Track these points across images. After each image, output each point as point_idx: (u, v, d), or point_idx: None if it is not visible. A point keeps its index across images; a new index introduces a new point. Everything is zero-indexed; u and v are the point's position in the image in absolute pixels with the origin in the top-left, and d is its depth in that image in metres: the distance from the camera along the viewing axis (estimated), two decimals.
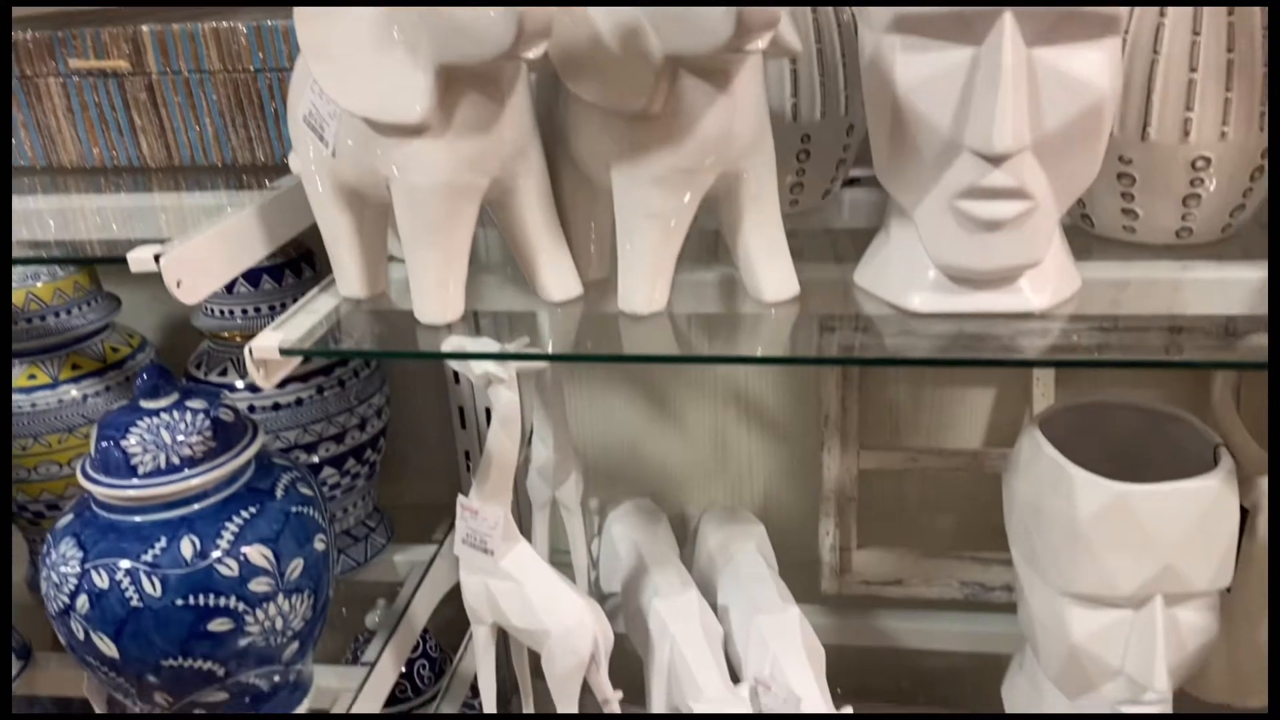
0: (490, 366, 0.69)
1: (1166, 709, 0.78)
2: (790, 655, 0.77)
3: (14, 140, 0.86)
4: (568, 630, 0.75)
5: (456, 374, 1.07)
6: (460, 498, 0.77)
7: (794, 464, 1.08)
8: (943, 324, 0.62)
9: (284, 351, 0.62)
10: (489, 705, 0.83)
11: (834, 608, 1.01)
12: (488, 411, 1.08)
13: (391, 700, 1.01)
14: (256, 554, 0.75)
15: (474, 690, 1.00)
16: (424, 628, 1.02)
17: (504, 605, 0.77)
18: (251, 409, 0.91)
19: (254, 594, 0.74)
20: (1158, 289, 0.69)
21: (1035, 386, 0.98)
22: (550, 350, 0.70)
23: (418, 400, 1.12)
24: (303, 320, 0.67)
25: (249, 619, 0.75)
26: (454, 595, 1.05)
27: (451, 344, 0.70)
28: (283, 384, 0.93)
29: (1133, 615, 0.75)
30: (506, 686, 1.00)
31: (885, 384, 1.03)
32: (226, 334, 0.93)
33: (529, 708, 0.87)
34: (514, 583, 0.77)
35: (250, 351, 0.63)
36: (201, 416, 0.76)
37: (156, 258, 0.62)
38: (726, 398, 1.07)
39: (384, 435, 1.02)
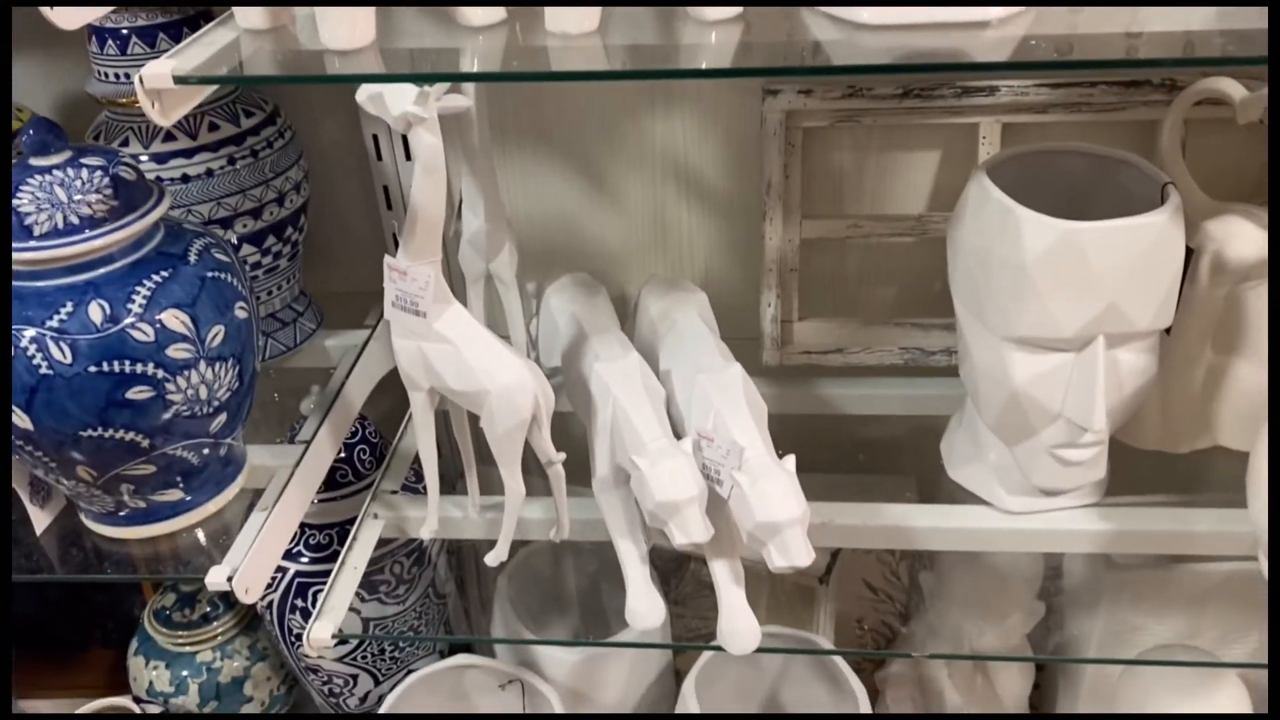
0: (409, 106, 0.64)
1: (1102, 452, 0.79)
2: (732, 409, 0.75)
3: None
4: (506, 389, 0.73)
5: (379, 149, 1.01)
6: (387, 259, 0.73)
7: (735, 238, 1.05)
8: (894, 36, 0.58)
9: (178, 80, 0.57)
10: (431, 474, 0.82)
11: (775, 379, 1.00)
12: None
13: (332, 484, 0.99)
14: (173, 319, 0.71)
15: (416, 470, 0.99)
16: (362, 415, 1.00)
17: (439, 368, 0.75)
18: (159, 180, 0.85)
19: (173, 360, 0.71)
20: (1116, 15, 0.65)
21: (981, 147, 0.96)
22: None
23: (338, 180, 1.07)
24: (199, 51, 0.61)
25: (170, 387, 0.71)
26: (391, 384, 1.03)
27: (366, 90, 0.65)
28: (190, 154, 0.87)
29: (1074, 358, 0.75)
30: (451, 471, 0.99)
31: (828, 150, 1.00)
32: (125, 100, 0.86)
33: (474, 487, 0.86)
34: (449, 345, 0.74)
35: (141, 81, 0.57)
36: (99, 174, 0.70)
37: None
38: (665, 171, 1.03)
39: (305, 214, 0.97)
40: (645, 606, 0.76)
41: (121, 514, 0.78)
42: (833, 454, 1.02)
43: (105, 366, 0.68)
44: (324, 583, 1.02)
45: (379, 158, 1.02)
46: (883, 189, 1.02)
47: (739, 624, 0.74)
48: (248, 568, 0.75)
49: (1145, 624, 1.00)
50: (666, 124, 1.00)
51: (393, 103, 0.65)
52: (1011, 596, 1.02)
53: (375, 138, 1.01)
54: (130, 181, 0.72)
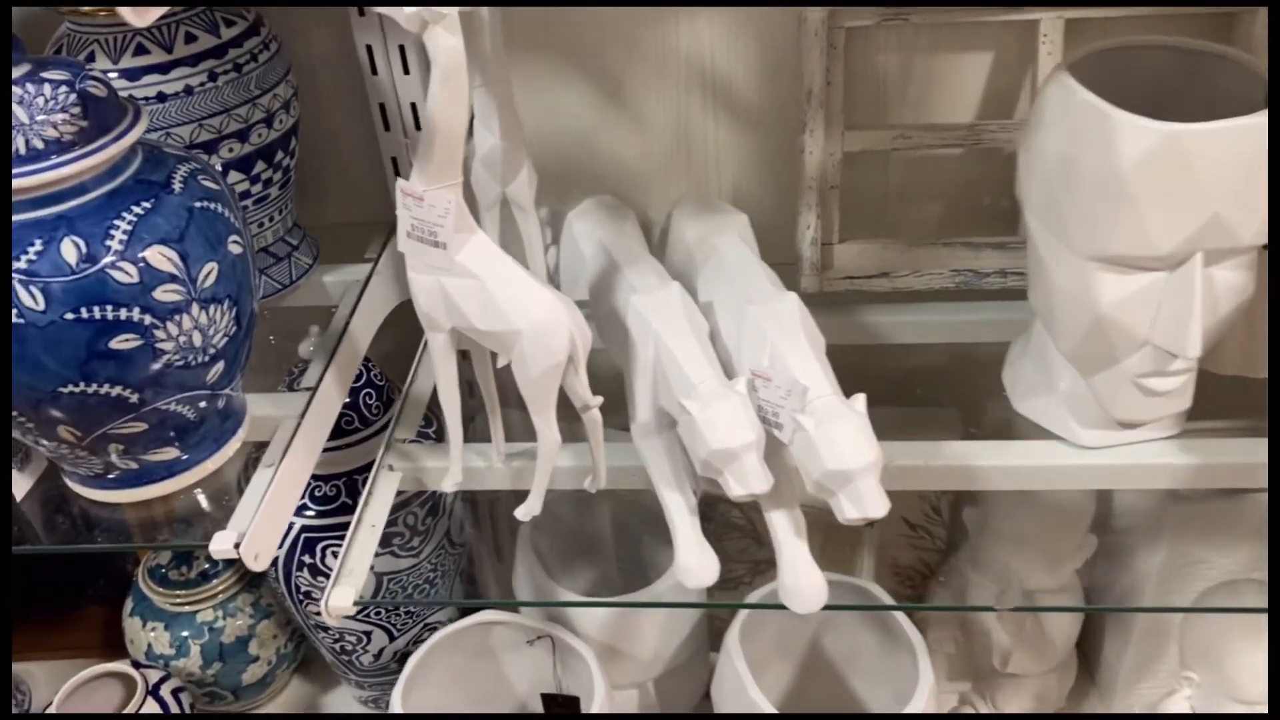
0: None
1: (1191, 380, 0.72)
2: (790, 343, 0.68)
3: None
4: (540, 327, 0.65)
5: (373, 62, 0.91)
6: (400, 183, 0.65)
7: (766, 153, 0.96)
8: None
9: None
10: (454, 421, 0.74)
11: (815, 306, 0.90)
12: (414, 109, 0.94)
13: (338, 432, 0.92)
14: (159, 256, 0.62)
15: (430, 415, 0.91)
16: (366, 357, 0.92)
17: (463, 305, 0.66)
18: (133, 100, 0.75)
19: (161, 304, 0.62)
20: None
21: (1041, 47, 0.87)
22: None
23: (329, 98, 0.97)
24: None
25: (159, 334, 0.63)
26: (393, 322, 0.94)
27: None
28: (166, 69, 0.77)
29: (1166, 278, 0.68)
30: (467, 414, 0.91)
31: (871, 54, 0.90)
32: (88, 8, 0.76)
33: (499, 434, 0.79)
34: (473, 279, 0.66)
35: None
36: (64, 90, 0.61)
37: None
38: (690, 80, 0.93)
39: (295, 136, 0.87)
40: (697, 562, 0.69)
41: (111, 476, 0.70)
42: (879, 386, 0.94)
43: (84, 313, 0.60)
44: (332, 537, 0.96)
45: (374, 71, 0.92)
46: (929, 96, 0.93)
47: (802, 580, 0.67)
48: (256, 532, 0.67)
49: (1209, 557, 0.94)
50: (691, 27, 0.91)
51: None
52: (1064, 531, 0.96)
53: (369, 49, 0.91)
54: (101, 99, 0.62)
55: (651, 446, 0.72)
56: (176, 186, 0.64)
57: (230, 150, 0.81)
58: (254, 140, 0.82)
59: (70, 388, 0.62)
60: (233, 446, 0.74)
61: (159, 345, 0.63)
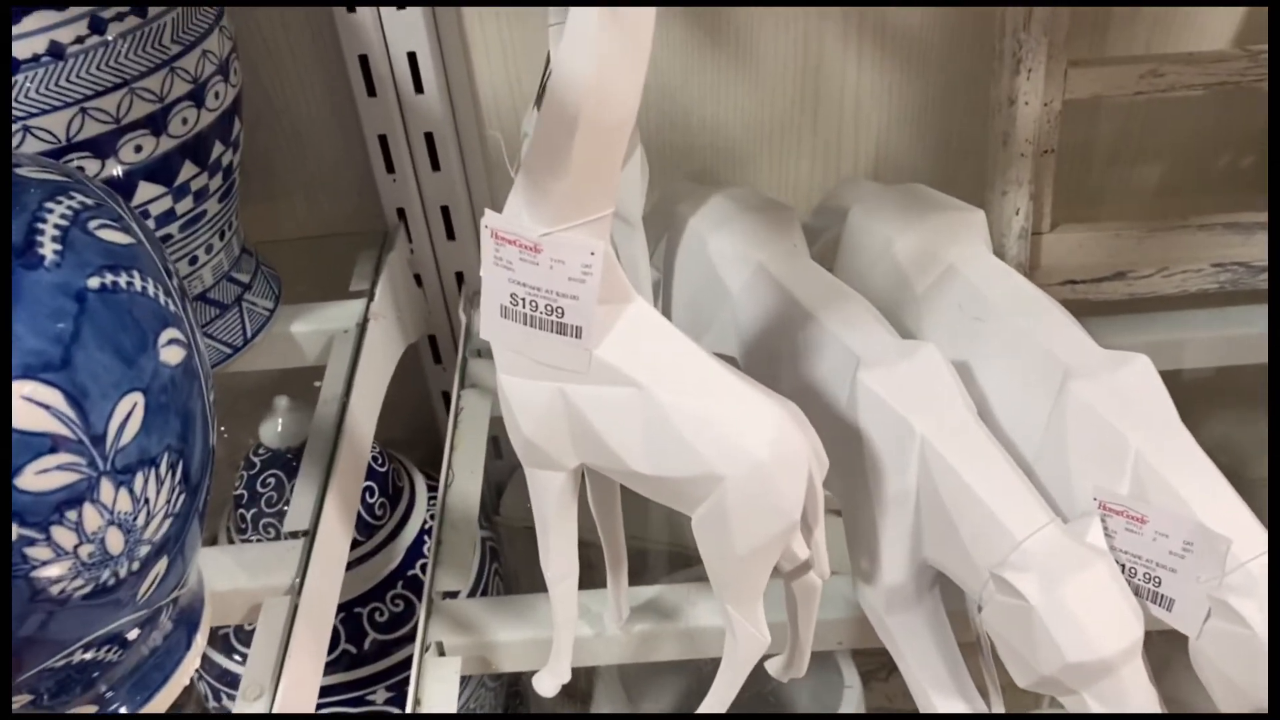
0: None
1: None
2: (1172, 451, 0.40)
3: None
4: (760, 471, 0.35)
5: None
6: (489, 216, 0.34)
7: (933, 106, 0.67)
8: None
9: None
10: (564, 598, 0.44)
11: None
12: (411, 62, 0.62)
13: None
14: (25, 406, 0.30)
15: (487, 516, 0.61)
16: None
17: (610, 434, 0.36)
18: None
19: (36, 498, 0.31)
20: None
21: None
22: None
23: (284, 54, 0.64)
24: None
25: (35, 552, 0.31)
26: (403, 383, 0.64)
27: None
28: (14, 15, 0.44)
29: None
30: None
31: None
32: None
33: (619, 585, 0.49)
34: (631, 387, 0.35)
35: None
36: None
37: None
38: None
39: (238, 115, 0.55)
40: None
41: None
42: None
43: None
44: (331, 705, 0.65)
45: (349, 7, 0.60)
46: (1166, 16, 0.64)
47: None
48: None
49: None
50: None
51: None
52: None
53: None
54: None
55: (906, 626, 0.44)
56: (47, 252, 0.32)
57: (137, 150, 0.48)
58: (175, 130, 0.49)
59: None
60: (190, 665, 0.43)
61: (39, 574, 0.32)
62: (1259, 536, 0.37)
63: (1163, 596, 0.39)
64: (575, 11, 0.29)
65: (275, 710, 0.42)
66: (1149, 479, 0.39)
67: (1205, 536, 0.37)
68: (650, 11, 0.29)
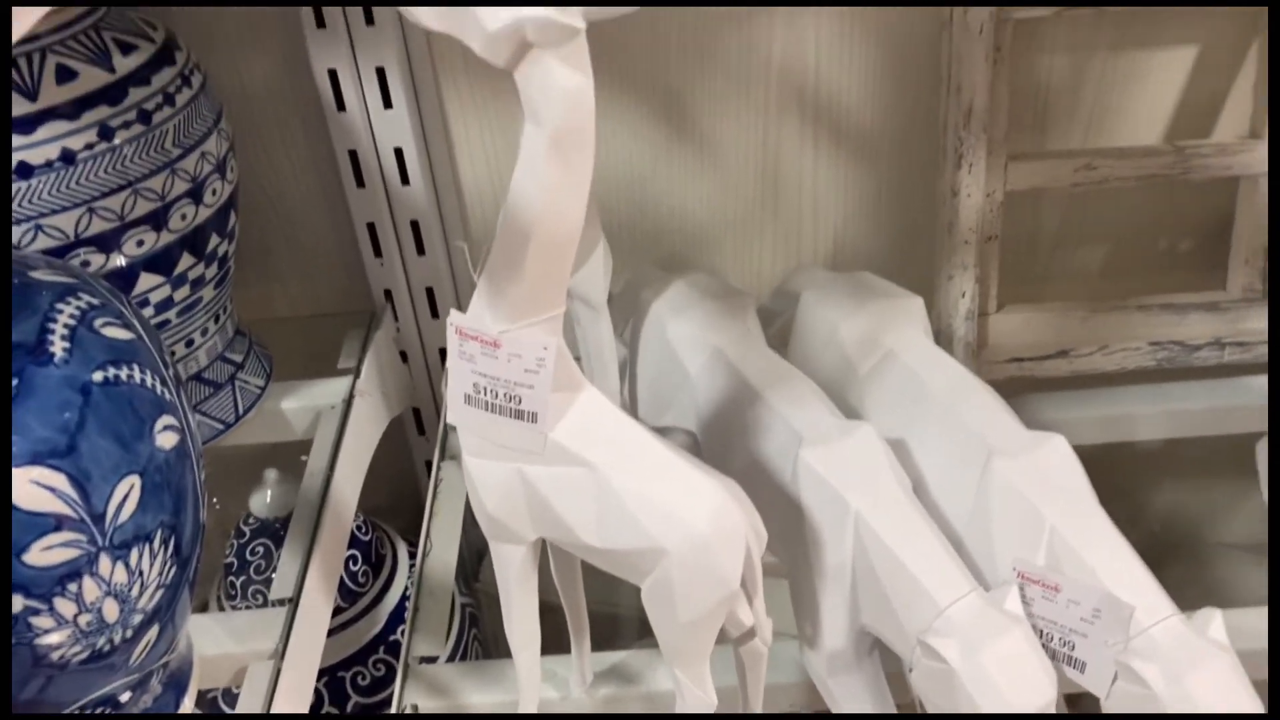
0: (536, 11, 0.29)
1: None
2: (1081, 524, 0.43)
3: None
4: (701, 544, 0.39)
5: (339, 92, 0.63)
6: (455, 317, 0.38)
7: (886, 197, 0.71)
8: None
9: None
10: (527, 665, 0.47)
11: None
12: (398, 157, 0.66)
13: None
14: (32, 490, 0.34)
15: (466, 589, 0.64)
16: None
17: (564, 510, 0.40)
18: None
19: (40, 572, 0.34)
20: None
21: (1254, 39, 0.64)
22: None
23: (277, 148, 0.69)
24: None
25: (39, 622, 0.35)
26: (389, 452, 0.67)
27: None
28: (30, 127, 0.49)
29: None
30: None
31: (1033, 55, 0.66)
32: None
33: (582, 650, 0.52)
34: (582, 467, 0.39)
35: None
36: None
37: None
38: (783, 99, 0.68)
39: (234, 209, 0.59)
40: None
41: None
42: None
43: None
44: None
45: (340, 106, 0.64)
46: (1106, 109, 0.69)
47: None
48: None
49: None
50: (789, 28, 0.65)
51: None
52: None
53: (333, 76, 0.63)
54: None
55: (847, 688, 0.47)
56: (57, 349, 0.36)
57: (139, 245, 0.52)
58: (175, 225, 0.54)
59: None
60: None
61: (41, 641, 0.35)
62: (1163, 603, 0.41)
63: (1076, 660, 0.42)
64: (525, 141, 0.33)
65: None
66: (1062, 550, 0.42)
67: (1111, 604, 0.40)
68: (589, 144, 0.33)
